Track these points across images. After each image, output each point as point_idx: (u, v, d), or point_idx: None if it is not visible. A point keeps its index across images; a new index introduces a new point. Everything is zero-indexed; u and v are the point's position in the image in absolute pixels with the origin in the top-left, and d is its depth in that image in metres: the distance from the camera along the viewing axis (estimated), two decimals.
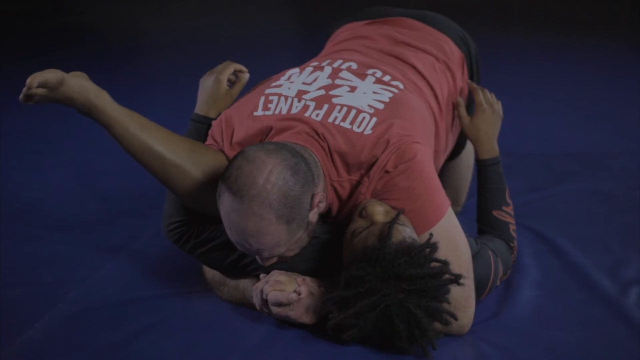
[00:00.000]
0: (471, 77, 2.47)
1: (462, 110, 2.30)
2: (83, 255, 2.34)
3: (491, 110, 2.28)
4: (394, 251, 1.68)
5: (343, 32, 2.49)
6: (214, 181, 1.83)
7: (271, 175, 1.70)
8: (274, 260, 1.82)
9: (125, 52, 5.53)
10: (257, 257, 1.82)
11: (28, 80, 1.72)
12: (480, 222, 2.22)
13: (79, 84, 1.79)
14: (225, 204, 1.73)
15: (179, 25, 6.55)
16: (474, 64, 2.48)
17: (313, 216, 1.80)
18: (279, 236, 1.74)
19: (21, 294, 2.11)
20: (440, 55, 2.33)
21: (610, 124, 3.70)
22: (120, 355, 1.81)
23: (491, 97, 2.31)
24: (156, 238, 2.17)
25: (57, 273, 2.22)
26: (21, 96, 1.76)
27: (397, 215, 1.77)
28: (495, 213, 2.19)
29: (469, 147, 2.63)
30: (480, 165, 2.26)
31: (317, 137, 1.87)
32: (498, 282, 2.08)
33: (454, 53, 2.40)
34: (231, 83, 2.18)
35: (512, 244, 2.17)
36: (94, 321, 1.96)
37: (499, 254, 2.08)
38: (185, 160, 1.86)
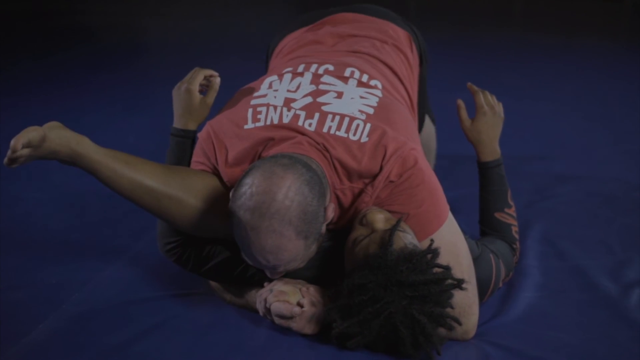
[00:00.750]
0: (420, 56, 2.46)
1: (463, 113, 2.31)
2: (86, 256, 2.34)
3: (492, 113, 2.28)
4: (395, 258, 1.68)
5: (288, 43, 2.44)
6: (211, 205, 1.82)
7: (290, 191, 1.68)
8: (284, 273, 1.81)
9: (126, 52, 5.53)
10: (267, 271, 1.80)
11: (12, 143, 1.68)
12: (482, 224, 2.23)
13: (59, 136, 1.76)
14: (242, 221, 1.69)
15: (180, 26, 6.55)
16: (421, 44, 2.47)
17: (323, 228, 1.79)
18: (297, 251, 1.72)
19: (25, 295, 2.11)
20: (386, 39, 2.32)
21: (611, 126, 3.71)
22: (123, 356, 1.82)
23: (492, 99, 2.31)
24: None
25: (60, 274, 2.22)
26: (6, 160, 1.72)
27: (398, 222, 1.76)
28: (497, 215, 2.19)
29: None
30: (482, 167, 2.26)
31: (318, 146, 1.85)
32: (500, 284, 2.09)
33: (399, 34, 2.39)
34: (205, 89, 2.10)
35: (514, 246, 2.18)
36: (97, 322, 1.97)
37: (500, 255, 2.08)
38: (178, 189, 1.84)
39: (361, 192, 1.86)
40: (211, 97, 2.08)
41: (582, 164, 3.19)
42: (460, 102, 2.33)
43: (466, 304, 1.83)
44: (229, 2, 7.69)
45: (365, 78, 2.07)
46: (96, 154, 1.80)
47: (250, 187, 1.69)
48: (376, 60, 2.21)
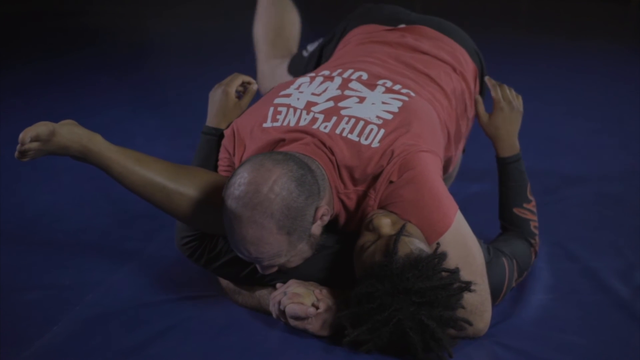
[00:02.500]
0: (481, 92, 2.47)
1: (481, 109, 2.28)
2: (98, 258, 2.34)
3: (510, 108, 2.24)
4: (401, 266, 1.68)
5: (360, 35, 2.48)
6: (219, 203, 1.83)
7: (275, 185, 1.71)
8: (274, 269, 1.82)
9: (134, 54, 5.52)
10: (257, 266, 1.82)
11: (21, 136, 1.73)
12: (502, 219, 2.21)
13: (70, 131, 1.81)
14: (228, 209, 1.73)
15: (187, 27, 6.55)
16: (484, 78, 2.49)
17: (316, 229, 1.80)
18: (279, 246, 1.74)
19: (37, 297, 2.12)
20: (457, 66, 2.33)
21: (619, 127, 3.70)
22: (137, 359, 1.82)
23: (510, 93, 2.27)
24: (171, 241, 2.17)
25: (73, 276, 2.23)
26: (16, 153, 1.77)
27: (403, 228, 1.76)
28: (516, 210, 2.18)
29: None
30: (501, 163, 2.23)
31: (324, 149, 1.87)
32: (514, 284, 2.08)
33: (469, 65, 2.40)
34: (240, 94, 2.17)
35: (532, 241, 2.17)
36: (111, 324, 1.98)
37: (516, 256, 2.07)
38: (188, 186, 1.87)
39: (365, 195, 1.86)
40: (246, 102, 2.16)
41: (591, 165, 3.19)
42: (479, 97, 2.30)
43: (478, 302, 1.83)
44: (236, 4, 7.69)
45: (397, 87, 2.07)
46: (108, 151, 1.84)
47: (240, 178, 1.73)
48: (429, 80, 2.20)
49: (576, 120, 3.82)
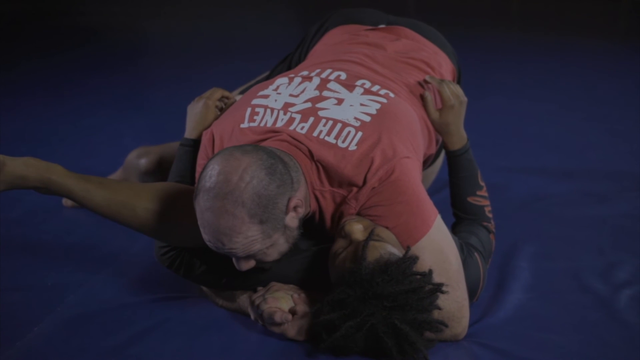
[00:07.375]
0: None
1: (431, 107, 2.17)
2: (81, 259, 2.36)
3: (459, 103, 2.17)
4: (370, 271, 1.68)
5: (340, 34, 2.48)
6: (186, 213, 1.85)
7: (245, 173, 1.71)
8: (252, 264, 1.81)
9: (127, 53, 5.54)
10: (234, 260, 1.81)
11: None
12: (455, 208, 2.20)
13: (25, 162, 1.88)
14: (200, 202, 1.74)
15: (181, 27, 6.56)
16: (461, 81, 2.49)
17: (291, 221, 1.79)
18: (252, 236, 1.73)
19: (20, 298, 2.13)
20: (436, 67, 2.33)
21: (607, 126, 3.71)
22: (118, 359, 1.83)
23: (454, 87, 2.19)
24: (154, 243, 2.19)
25: (56, 277, 2.24)
26: None
27: (371, 233, 1.77)
28: (470, 199, 2.16)
29: None
30: (452, 155, 2.19)
31: (300, 146, 1.87)
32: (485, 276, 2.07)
33: (448, 66, 2.41)
34: (218, 109, 2.18)
35: (489, 226, 2.16)
36: (92, 325, 1.98)
37: (481, 247, 2.07)
38: (152, 200, 1.90)
39: (343, 201, 1.86)
40: None
41: (578, 164, 3.20)
42: (428, 95, 2.18)
43: (455, 308, 1.84)
44: (230, 4, 7.70)
45: (375, 88, 2.06)
46: (69, 178, 1.89)
47: (210, 170, 1.74)
48: (410, 80, 2.20)
49: (564, 118, 3.83)
